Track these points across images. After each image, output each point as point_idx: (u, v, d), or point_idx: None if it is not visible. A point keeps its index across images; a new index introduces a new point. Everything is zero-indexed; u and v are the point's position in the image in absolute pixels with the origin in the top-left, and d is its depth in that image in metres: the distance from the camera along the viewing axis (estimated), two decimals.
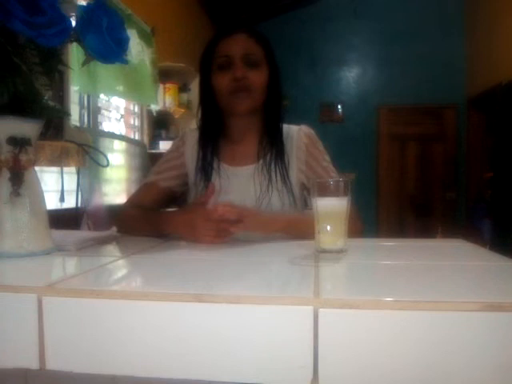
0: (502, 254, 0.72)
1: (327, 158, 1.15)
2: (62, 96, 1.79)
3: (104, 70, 2.55)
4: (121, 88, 2.82)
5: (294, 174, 1.11)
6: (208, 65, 1.10)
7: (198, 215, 0.90)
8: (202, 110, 1.14)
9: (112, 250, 0.88)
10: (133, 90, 2.94)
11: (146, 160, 3.31)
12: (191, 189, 1.17)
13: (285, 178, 1.09)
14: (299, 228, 0.94)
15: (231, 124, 1.14)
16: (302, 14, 5.45)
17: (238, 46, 1.06)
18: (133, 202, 1.16)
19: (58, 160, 1.80)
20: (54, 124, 1.71)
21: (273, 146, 1.11)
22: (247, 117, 1.10)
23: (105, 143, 2.89)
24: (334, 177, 1.12)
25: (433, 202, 5.40)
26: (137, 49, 2.92)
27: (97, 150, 1.39)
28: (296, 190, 1.11)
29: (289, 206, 1.09)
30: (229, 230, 0.88)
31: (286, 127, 1.15)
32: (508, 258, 0.69)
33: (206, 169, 1.11)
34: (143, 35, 3.13)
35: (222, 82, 1.06)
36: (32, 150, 0.73)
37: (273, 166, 1.09)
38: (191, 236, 0.91)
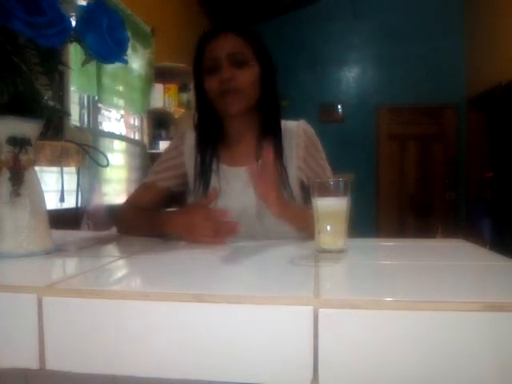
0: (502, 254, 0.72)
1: (324, 156, 1.15)
2: (61, 96, 1.79)
3: (96, 75, 2.55)
4: (114, 94, 2.82)
5: (293, 172, 1.11)
6: (198, 68, 1.09)
7: (196, 215, 0.90)
8: (198, 114, 1.14)
9: (112, 249, 0.88)
10: (122, 97, 2.95)
11: (146, 160, 3.31)
12: (190, 189, 1.17)
13: (283, 177, 1.09)
14: (309, 224, 0.95)
15: (228, 126, 1.14)
16: (301, 14, 5.45)
17: (223, 46, 1.04)
18: (132, 202, 1.16)
19: (58, 160, 1.80)
20: (54, 124, 1.71)
21: (271, 146, 1.11)
22: (242, 117, 1.09)
23: (105, 143, 2.89)
24: (329, 176, 1.12)
25: (433, 202, 5.40)
26: (129, 52, 2.93)
27: (97, 150, 1.39)
28: (295, 187, 1.11)
29: None
30: (228, 230, 0.88)
31: (283, 123, 1.14)
32: (508, 257, 0.69)
33: (205, 173, 1.11)
34: (140, 35, 3.13)
35: (211, 85, 1.05)
36: (32, 150, 0.73)
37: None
38: (190, 236, 0.91)
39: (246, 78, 1.05)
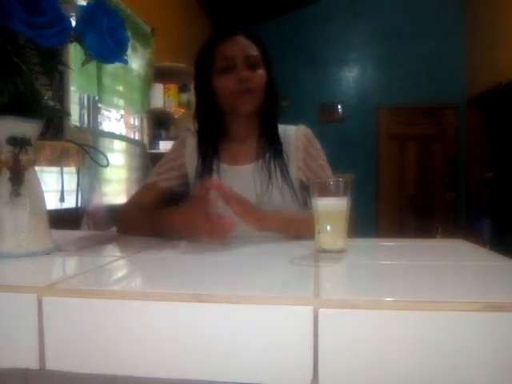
0: (502, 254, 0.72)
1: (323, 156, 1.16)
2: (61, 96, 1.79)
3: (96, 75, 2.55)
4: (114, 94, 2.83)
5: (293, 172, 1.12)
6: (207, 67, 1.11)
7: (195, 211, 0.90)
8: (200, 112, 1.15)
9: (112, 249, 0.88)
10: (122, 97, 2.95)
11: (146, 160, 3.31)
12: (191, 190, 1.17)
13: (285, 174, 1.10)
14: (297, 228, 0.95)
15: (232, 124, 1.15)
16: (301, 14, 5.45)
17: (239, 47, 1.08)
18: (133, 202, 1.17)
19: (58, 160, 1.80)
20: (54, 124, 1.71)
21: (271, 144, 1.13)
22: (249, 117, 1.12)
23: (105, 143, 2.89)
24: (329, 175, 1.13)
25: (433, 202, 5.40)
26: (129, 52, 2.94)
27: (97, 149, 1.39)
28: (296, 187, 1.12)
29: (291, 202, 1.10)
30: (227, 225, 0.88)
31: (283, 127, 1.16)
32: (508, 257, 0.69)
33: (206, 172, 1.12)
34: (140, 35, 3.13)
35: (226, 84, 1.07)
36: (32, 150, 0.73)
37: (272, 163, 1.11)
38: (190, 234, 0.91)
39: (259, 79, 1.08)
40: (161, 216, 1.02)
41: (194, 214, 0.90)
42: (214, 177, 1.12)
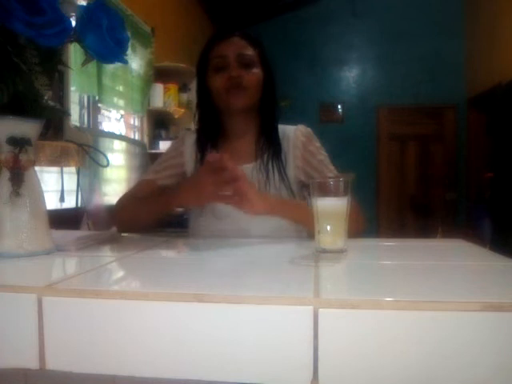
0: (502, 254, 0.72)
1: (324, 153, 1.17)
2: (62, 96, 1.79)
3: (96, 75, 2.55)
4: (114, 94, 2.83)
5: (292, 172, 1.13)
6: (204, 67, 1.13)
7: (200, 177, 0.92)
8: (199, 112, 1.17)
9: (112, 249, 0.88)
10: (122, 97, 2.96)
11: (146, 160, 3.31)
12: None
13: (282, 175, 1.10)
14: (295, 212, 1.00)
15: (229, 123, 1.16)
16: (301, 13, 5.45)
17: (232, 47, 1.09)
18: (129, 196, 1.16)
19: (58, 160, 1.80)
20: (54, 124, 1.71)
21: (270, 145, 1.13)
22: (243, 115, 1.13)
23: (105, 143, 2.89)
24: (331, 169, 1.13)
25: (433, 202, 5.40)
26: (129, 52, 2.94)
27: (97, 150, 1.39)
28: (294, 187, 1.12)
29: None
30: (239, 177, 0.88)
31: (282, 128, 1.17)
32: (508, 257, 0.69)
33: None
34: (140, 35, 3.13)
35: (219, 81, 1.09)
36: (32, 150, 0.73)
37: (270, 164, 1.11)
38: (199, 198, 0.93)
39: (252, 78, 1.09)
40: (167, 194, 1.04)
41: (201, 181, 0.91)
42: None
